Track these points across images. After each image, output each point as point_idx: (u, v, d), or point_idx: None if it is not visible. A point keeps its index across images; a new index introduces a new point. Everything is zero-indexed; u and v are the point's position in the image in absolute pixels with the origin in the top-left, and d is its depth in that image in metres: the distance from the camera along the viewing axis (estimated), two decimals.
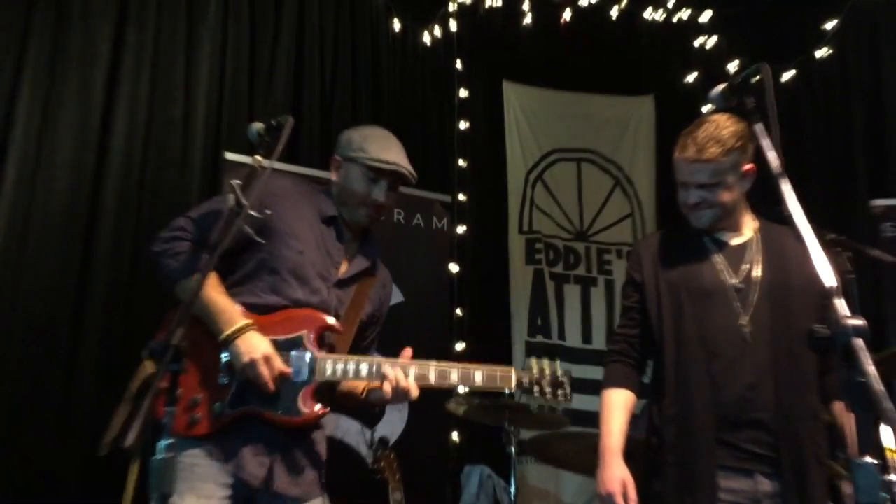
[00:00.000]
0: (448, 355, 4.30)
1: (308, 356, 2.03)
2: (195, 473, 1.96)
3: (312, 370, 2.02)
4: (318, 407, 2.03)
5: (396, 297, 3.74)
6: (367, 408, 2.22)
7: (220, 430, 1.98)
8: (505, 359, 4.65)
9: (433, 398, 4.03)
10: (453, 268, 4.40)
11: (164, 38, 3.90)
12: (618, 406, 2.17)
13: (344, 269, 2.23)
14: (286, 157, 3.83)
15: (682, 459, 2.03)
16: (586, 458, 3.16)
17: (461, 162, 4.77)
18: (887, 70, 4.73)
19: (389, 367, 2.05)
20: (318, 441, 2.18)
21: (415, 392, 2.07)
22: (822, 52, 4.82)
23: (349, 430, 3.76)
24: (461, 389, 2.12)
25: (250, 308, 2.07)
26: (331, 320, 2.10)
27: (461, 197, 4.66)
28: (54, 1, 3.64)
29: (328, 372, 2.03)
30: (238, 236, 2.03)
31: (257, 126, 1.95)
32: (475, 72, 4.95)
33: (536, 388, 2.10)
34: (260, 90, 4.15)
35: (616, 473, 2.06)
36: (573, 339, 4.85)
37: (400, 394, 2.05)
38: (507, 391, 2.18)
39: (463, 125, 4.84)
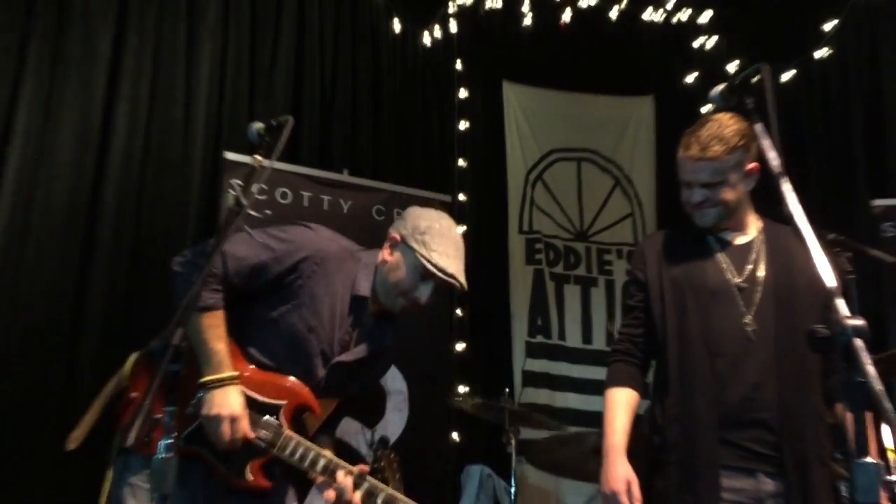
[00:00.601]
0: (448, 355, 4.30)
1: (274, 426, 1.99)
2: (137, 498, 1.94)
3: (273, 443, 1.98)
4: (262, 479, 1.98)
5: None
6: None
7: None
8: (505, 359, 4.66)
9: (432, 398, 4.04)
10: None
11: (164, 39, 3.90)
12: (621, 405, 2.17)
13: (348, 352, 2.15)
14: (286, 157, 3.83)
15: (685, 458, 2.02)
16: (585, 463, 3.17)
17: (461, 162, 4.77)
18: (887, 70, 4.72)
19: (343, 473, 1.97)
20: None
21: None
22: (822, 53, 4.81)
23: (349, 430, 3.76)
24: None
25: (244, 355, 2.04)
26: (311, 401, 2.05)
27: (461, 197, 4.66)
28: (54, 1, 3.64)
29: (287, 451, 1.98)
30: (261, 279, 2.01)
31: (257, 126, 1.95)
32: (475, 72, 4.95)
33: None
34: (260, 90, 4.15)
35: (620, 472, 2.06)
36: (573, 339, 4.85)
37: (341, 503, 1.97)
38: None
39: (463, 125, 4.83)
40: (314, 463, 1.98)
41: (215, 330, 1.99)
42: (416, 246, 2.09)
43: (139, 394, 1.89)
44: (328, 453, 2.01)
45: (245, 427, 1.93)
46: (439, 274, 2.07)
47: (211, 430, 1.91)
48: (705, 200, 2.13)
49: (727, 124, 2.09)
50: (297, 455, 1.98)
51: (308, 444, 2.00)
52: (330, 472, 1.97)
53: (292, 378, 2.05)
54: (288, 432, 2.00)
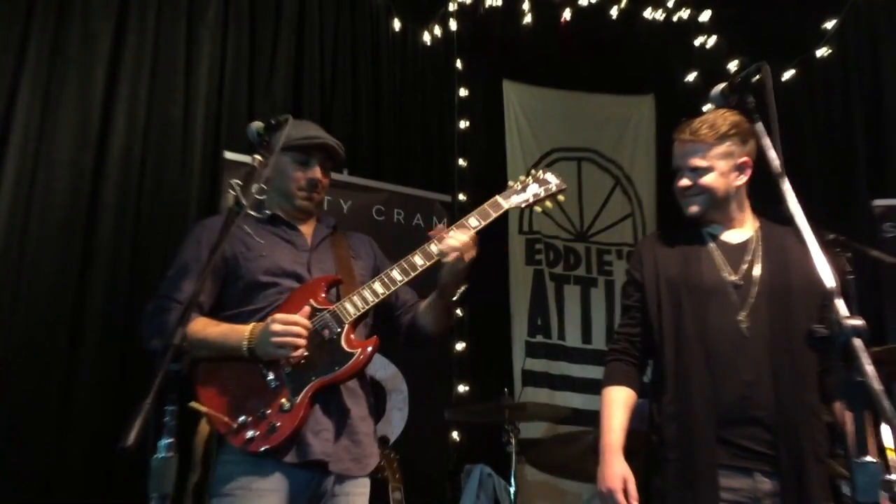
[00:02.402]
0: (448, 355, 4.30)
1: (326, 313, 2.09)
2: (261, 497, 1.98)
3: (338, 319, 2.08)
4: (366, 344, 2.08)
5: None
6: (449, 288, 2.23)
7: (301, 424, 2.00)
8: (505, 359, 4.66)
9: (432, 398, 4.04)
10: None
11: (164, 38, 3.90)
12: (618, 403, 2.17)
13: (309, 240, 2.28)
14: None
15: (683, 456, 2.02)
16: (585, 462, 3.16)
17: (461, 162, 4.77)
18: (887, 70, 4.73)
19: (419, 257, 2.15)
20: (366, 401, 2.22)
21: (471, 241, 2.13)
22: (822, 52, 4.82)
23: None
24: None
25: (259, 321, 2.10)
26: (328, 277, 2.17)
27: (461, 197, 4.66)
28: (54, 1, 3.64)
29: (351, 310, 2.10)
30: (218, 275, 2.12)
31: (257, 126, 1.95)
32: (475, 72, 4.95)
33: (530, 197, 2.34)
34: (260, 90, 4.15)
35: (616, 470, 2.06)
36: (573, 339, 4.85)
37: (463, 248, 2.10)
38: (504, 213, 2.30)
39: (463, 125, 4.84)
40: (375, 292, 2.12)
41: (211, 324, 2.08)
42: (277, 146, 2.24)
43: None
44: (375, 279, 2.14)
45: (288, 315, 2.01)
46: (310, 142, 2.22)
47: (288, 339, 1.99)
48: (692, 185, 2.17)
49: (723, 115, 2.14)
50: (360, 303, 2.10)
51: (355, 292, 2.12)
52: (410, 267, 2.14)
53: (294, 288, 2.14)
54: (338, 303, 2.10)
